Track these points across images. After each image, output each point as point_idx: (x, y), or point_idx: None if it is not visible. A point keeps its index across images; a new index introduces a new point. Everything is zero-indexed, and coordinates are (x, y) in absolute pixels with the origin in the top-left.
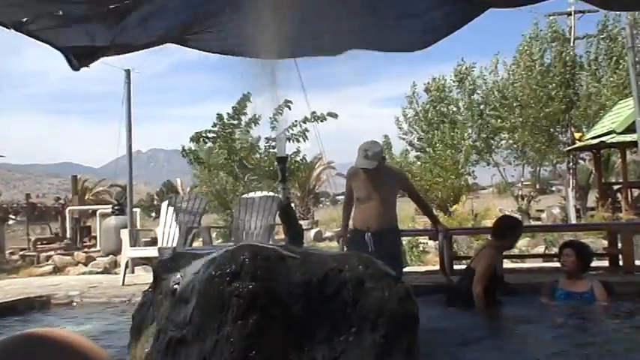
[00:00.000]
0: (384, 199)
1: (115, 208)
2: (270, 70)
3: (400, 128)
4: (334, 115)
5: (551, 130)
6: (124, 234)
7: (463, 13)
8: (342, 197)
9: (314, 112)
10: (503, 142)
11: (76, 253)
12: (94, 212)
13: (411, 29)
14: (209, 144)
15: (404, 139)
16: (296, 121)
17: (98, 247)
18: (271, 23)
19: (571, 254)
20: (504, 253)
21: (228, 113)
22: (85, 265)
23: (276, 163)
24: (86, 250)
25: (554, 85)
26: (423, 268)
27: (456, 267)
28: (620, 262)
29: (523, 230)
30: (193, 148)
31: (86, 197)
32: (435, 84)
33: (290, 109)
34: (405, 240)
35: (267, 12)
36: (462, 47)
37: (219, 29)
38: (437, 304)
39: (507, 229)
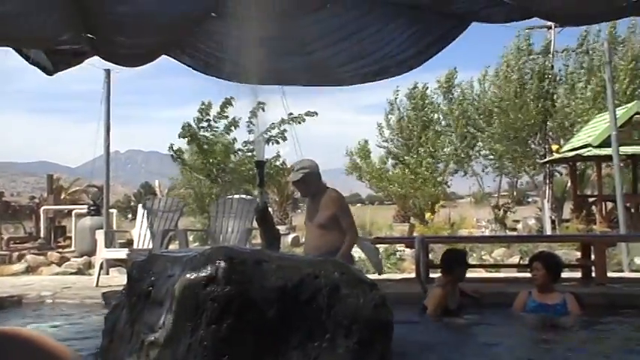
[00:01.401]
0: (319, 224)
1: (91, 208)
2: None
3: (382, 136)
4: (312, 114)
5: (528, 141)
6: (100, 235)
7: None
8: None
9: (291, 114)
10: (482, 151)
11: (49, 253)
12: (69, 212)
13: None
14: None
15: (384, 147)
16: (273, 123)
17: (73, 248)
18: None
19: (540, 267)
20: (480, 262)
21: (198, 118)
22: (59, 265)
23: (254, 167)
24: (60, 250)
25: (531, 96)
26: (399, 276)
27: (432, 275)
28: (593, 274)
29: (500, 240)
30: (184, 148)
31: (62, 197)
32: (418, 91)
33: (264, 110)
34: (381, 248)
35: None
36: (453, 59)
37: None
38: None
39: (453, 262)
